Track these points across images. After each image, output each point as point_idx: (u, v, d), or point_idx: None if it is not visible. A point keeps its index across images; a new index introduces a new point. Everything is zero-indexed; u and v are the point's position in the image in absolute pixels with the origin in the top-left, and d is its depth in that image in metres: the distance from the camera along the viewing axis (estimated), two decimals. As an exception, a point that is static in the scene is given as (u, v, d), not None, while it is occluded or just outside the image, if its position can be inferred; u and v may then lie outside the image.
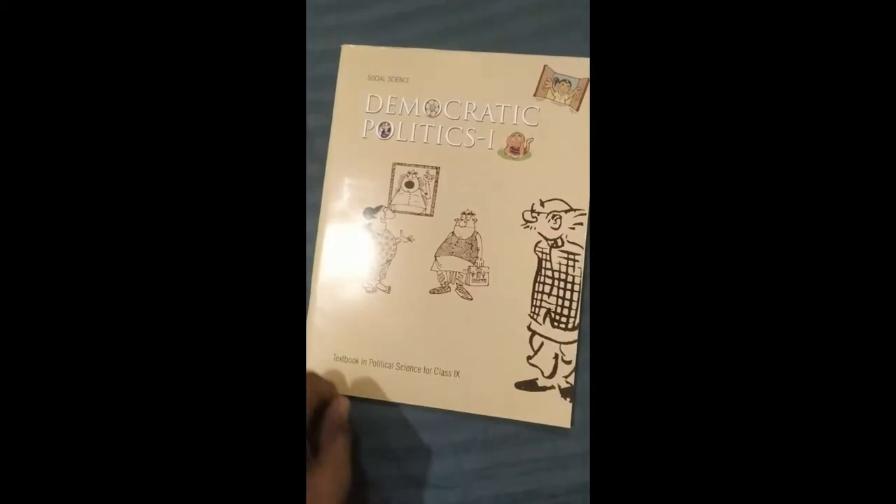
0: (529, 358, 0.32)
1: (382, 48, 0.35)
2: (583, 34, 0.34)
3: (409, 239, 0.34)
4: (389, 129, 0.35)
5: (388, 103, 0.35)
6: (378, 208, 0.34)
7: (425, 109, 0.35)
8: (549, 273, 0.33)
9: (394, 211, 0.34)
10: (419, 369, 0.32)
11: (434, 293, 0.33)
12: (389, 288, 0.33)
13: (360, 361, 0.33)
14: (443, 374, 0.32)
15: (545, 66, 0.34)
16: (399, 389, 0.32)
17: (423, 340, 0.33)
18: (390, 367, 0.32)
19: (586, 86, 0.34)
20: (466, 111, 0.34)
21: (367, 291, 0.34)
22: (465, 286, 0.33)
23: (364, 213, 0.34)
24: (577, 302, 0.32)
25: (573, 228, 0.33)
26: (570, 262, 0.33)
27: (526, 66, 0.34)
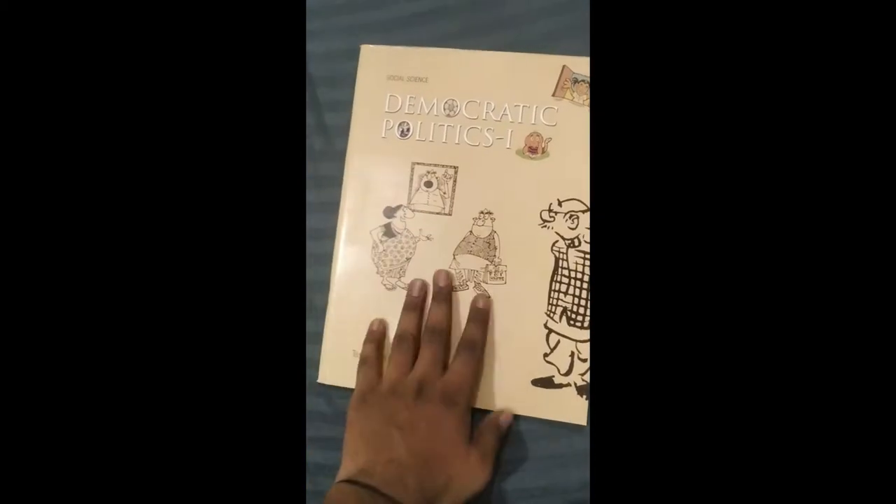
0: (546, 355, 0.32)
1: (401, 48, 0.36)
2: None
3: (428, 238, 0.34)
4: (408, 129, 0.35)
5: (408, 103, 0.35)
6: (398, 207, 0.35)
7: (444, 109, 0.35)
8: (565, 272, 0.33)
9: (413, 210, 0.35)
10: None
11: (453, 291, 0.34)
12: (408, 286, 0.34)
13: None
14: (461, 370, 0.33)
15: (564, 66, 0.34)
16: None
17: None
18: (409, 363, 0.33)
19: None
20: (485, 111, 0.35)
21: (387, 289, 0.34)
22: (482, 284, 0.34)
23: (384, 212, 0.35)
24: (594, 301, 0.33)
25: (589, 229, 0.33)
26: (587, 262, 0.33)
27: (545, 66, 0.34)
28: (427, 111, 0.35)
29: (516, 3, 0.35)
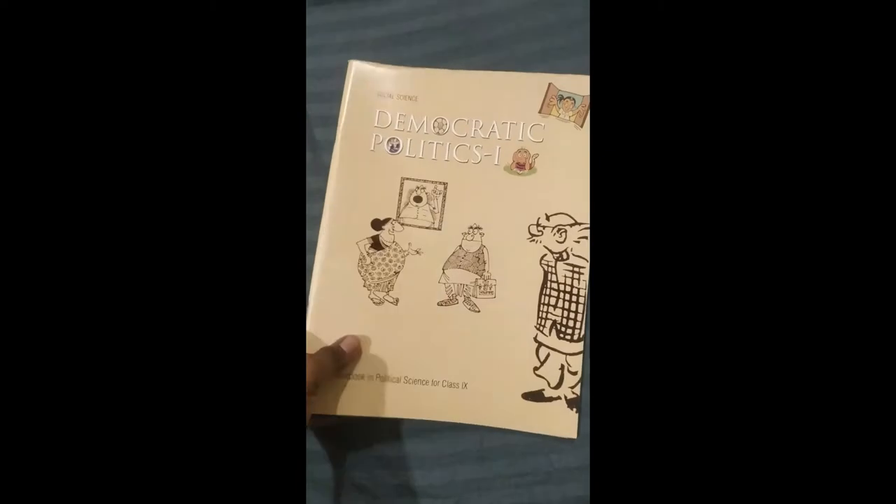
0: (536, 369, 0.32)
1: (391, 68, 0.36)
2: (587, 56, 0.35)
3: (417, 252, 0.34)
4: (398, 145, 0.36)
5: (397, 120, 0.36)
6: (386, 220, 0.35)
7: (433, 127, 0.36)
8: (554, 286, 0.33)
9: (402, 224, 0.35)
10: (426, 382, 0.33)
11: (442, 305, 0.34)
12: (397, 300, 0.34)
13: (365, 377, 0.33)
14: (450, 385, 0.32)
15: (550, 83, 0.35)
16: (407, 405, 0.32)
17: (431, 352, 0.33)
18: (397, 381, 0.33)
19: (590, 104, 0.35)
20: (473, 129, 0.35)
21: (375, 303, 0.34)
22: (472, 298, 0.34)
23: (371, 223, 0.35)
24: (583, 314, 0.33)
25: (578, 242, 0.33)
26: (576, 275, 0.33)
27: (531, 84, 0.35)
28: (417, 129, 0.36)
29: (507, 24, 0.37)
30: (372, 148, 0.35)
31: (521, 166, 0.35)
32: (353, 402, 0.32)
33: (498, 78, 0.36)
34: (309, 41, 0.36)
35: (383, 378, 0.33)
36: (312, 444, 0.33)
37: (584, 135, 0.35)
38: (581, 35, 0.36)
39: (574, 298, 0.33)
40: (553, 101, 0.35)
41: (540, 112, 0.35)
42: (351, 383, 0.33)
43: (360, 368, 0.33)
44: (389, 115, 0.36)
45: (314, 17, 0.37)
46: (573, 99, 0.35)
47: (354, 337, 0.33)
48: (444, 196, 0.35)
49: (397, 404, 0.32)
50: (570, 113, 0.35)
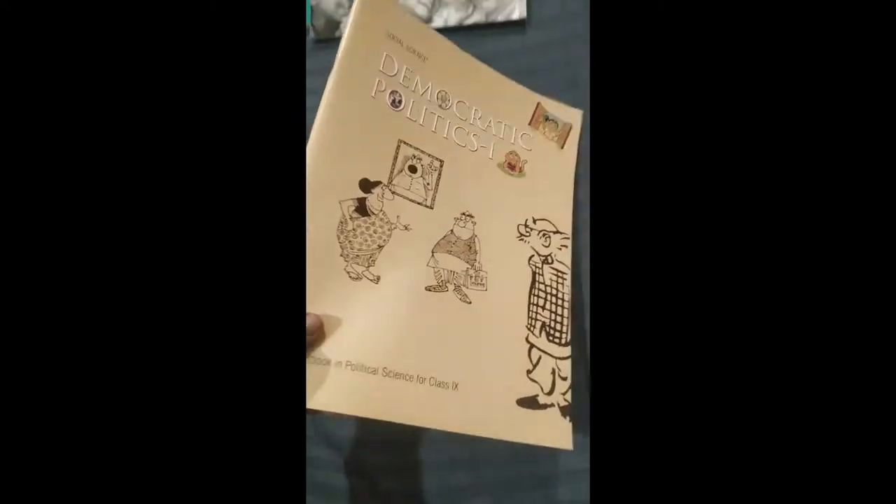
0: (529, 372, 0.29)
1: (408, 14, 0.32)
2: (577, 92, 0.37)
3: (406, 227, 0.29)
4: (400, 101, 0.31)
5: (403, 73, 0.31)
6: (377, 183, 0.29)
7: (437, 98, 0.32)
8: (542, 287, 0.32)
9: (393, 192, 0.29)
10: (411, 378, 0.26)
11: (430, 290, 0.28)
12: (378, 278, 0.27)
13: (333, 363, 0.25)
14: (439, 385, 0.27)
15: (539, 103, 0.36)
16: (385, 403, 0.25)
17: (417, 342, 0.27)
18: (374, 372, 0.25)
19: (569, 130, 0.37)
20: (473, 116, 0.33)
21: (352, 278, 0.27)
22: (463, 288, 0.29)
23: (360, 183, 0.28)
24: (568, 318, 0.32)
25: (560, 249, 0.34)
26: (560, 279, 0.33)
27: (523, 97, 0.36)
28: (421, 93, 0.32)
29: (494, 65, 0.36)
30: (373, 94, 0.29)
31: (512, 167, 0.34)
32: (317, 392, 0.24)
33: (498, 78, 0.35)
34: (309, 83, 0.28)
35: (355, 367, 0.25)
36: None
37: (563, 156, 0.36)
38: (564, 75, 0.38)
39: (560, 302, 0.32)
40: (540, 119, 0.36)
41: (529, 124, 0.36)
42: (313, 369, 0.24)
43: (324, 351, 0.25)
44: (396, 64, 0.31)
45: (314, 62, 0.34)
46: (556, 122, 0.37)
47: (315, 316, 0.25)
48: (440, 174, 0.31)
49: (374, 401, 0.25)
50: (554, 134, 0.36)
